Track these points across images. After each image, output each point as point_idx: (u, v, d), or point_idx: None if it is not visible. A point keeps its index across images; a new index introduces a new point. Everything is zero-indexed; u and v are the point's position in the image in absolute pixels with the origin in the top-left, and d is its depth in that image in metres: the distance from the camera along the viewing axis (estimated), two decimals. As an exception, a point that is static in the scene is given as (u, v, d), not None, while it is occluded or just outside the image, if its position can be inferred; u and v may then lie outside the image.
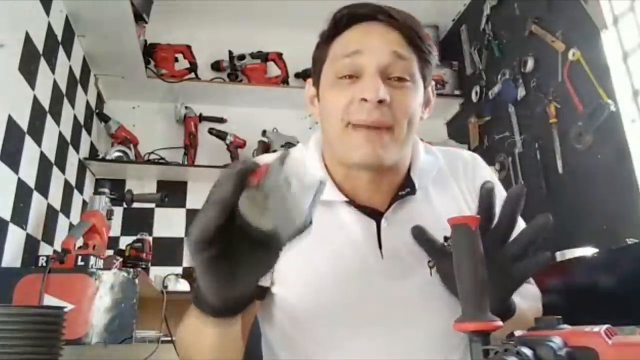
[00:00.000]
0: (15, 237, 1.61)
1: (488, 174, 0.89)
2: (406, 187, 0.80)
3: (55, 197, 1.99)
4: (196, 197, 2.71)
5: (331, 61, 0.78)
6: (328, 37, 0.79)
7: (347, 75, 0.75)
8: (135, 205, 2.25)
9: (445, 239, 0.71)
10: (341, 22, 0.77)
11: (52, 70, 1.91)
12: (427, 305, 0.75)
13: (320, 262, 0.76)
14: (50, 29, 1.87)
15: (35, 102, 1.75)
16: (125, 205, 2.36)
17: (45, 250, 1.85)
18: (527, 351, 0.43)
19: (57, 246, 1.89)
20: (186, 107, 2.75)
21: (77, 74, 2.24)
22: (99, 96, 2.63)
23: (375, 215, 0.79)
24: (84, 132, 2.37)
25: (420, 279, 0.75)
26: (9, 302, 1.35)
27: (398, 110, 0.73)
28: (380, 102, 0.71)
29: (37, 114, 1.77)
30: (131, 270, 1.49)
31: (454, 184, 0.85)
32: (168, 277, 2.16)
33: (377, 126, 0.73)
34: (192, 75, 2.70)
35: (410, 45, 0.76)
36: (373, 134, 0.73)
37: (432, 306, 0.74)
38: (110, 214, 1.96)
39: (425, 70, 0.78)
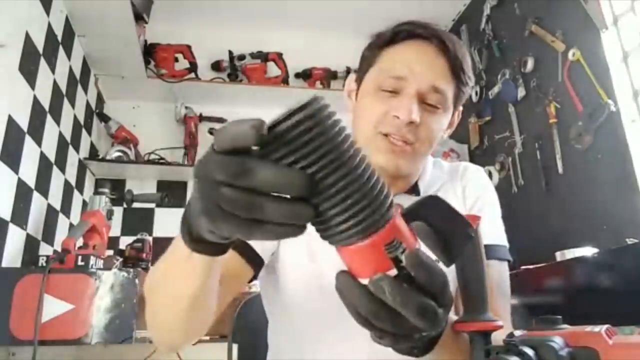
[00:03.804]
0: (15, 237, 1.61)
1: (483, 183, 0.94)
2: (412, 193, 0.89)
3: (55, 197, 1.99)
4: (196, 197, 2.71)
5: (378, 71, 0.84)
6: (384, 43, 0.86)
7: (389, 89, 0.82)
8: (135, 205, 2.25)
9: None
10: (399, 36, 0.84)
11: (52, 70, 1.91)
12: None
13: (324, 257, 0.80)
14: (50, 29, 1.87)
15: (35, 102, 1.75)
16: (125, 205, 2.37)
17: (45, 250, 1.85)
18: (529, 351, 0.43)
19: (57, 246, 1.89)
20: (186, 107, 2.75)
21: (77, 74, 2.24)
22: (99, 96, 2.63)
23: None
24: (84, 132, 2.37)
25: None
26: (9, 302, 1.35)
27: (423, 132, 0.81)
28: (411, 123, 0.79)
29: (37, 114, 1.77)
30: (131, 270, 1.49)
31: (450, 189, 0.93)
32: (168, 277, 2.16)
33: (402, 141, 0.81)
34: (192, 75, 2.70)
35: (452, 74, 0.83)
36: (397, 147, 0.81)
37: None
38: (110, 214, 1.96)
39: (458, 99, 0.87)
